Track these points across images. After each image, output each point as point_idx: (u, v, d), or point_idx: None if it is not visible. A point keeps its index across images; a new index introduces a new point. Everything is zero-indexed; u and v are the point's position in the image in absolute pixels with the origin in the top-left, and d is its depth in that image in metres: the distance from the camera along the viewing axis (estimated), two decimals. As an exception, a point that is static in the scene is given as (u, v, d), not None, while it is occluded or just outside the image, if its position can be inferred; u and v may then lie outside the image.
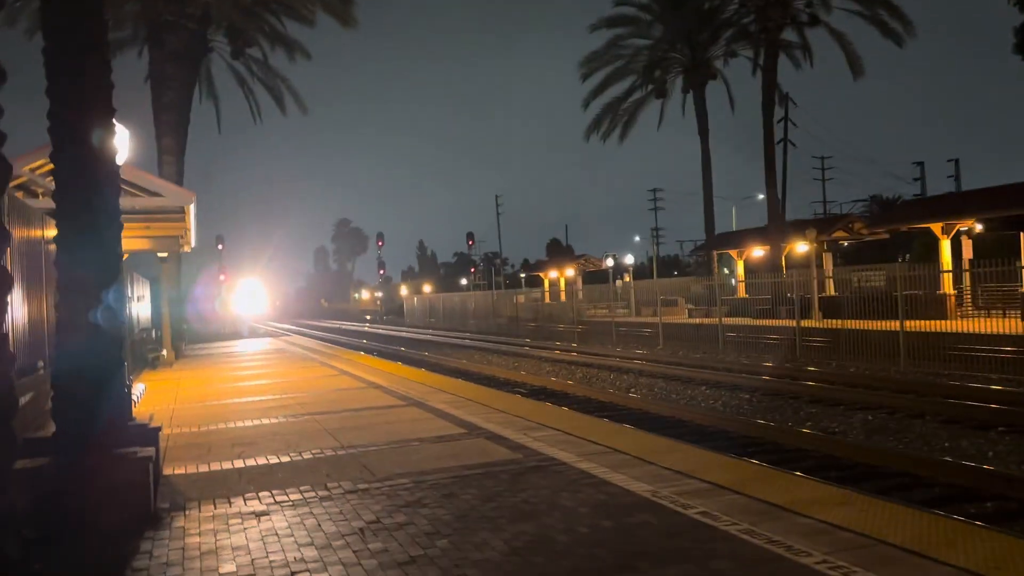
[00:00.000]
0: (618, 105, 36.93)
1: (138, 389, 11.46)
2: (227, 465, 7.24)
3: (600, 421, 8.46)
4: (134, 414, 7.55)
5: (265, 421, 9.78)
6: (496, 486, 5.83)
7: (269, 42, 31.33)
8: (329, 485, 6.17)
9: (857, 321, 20.90)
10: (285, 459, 7.36)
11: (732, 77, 37.73)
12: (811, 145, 78.00)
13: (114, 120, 6.15)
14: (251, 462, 7.29)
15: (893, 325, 19.19)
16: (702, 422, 12.00)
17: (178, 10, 25.42)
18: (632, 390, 16.67)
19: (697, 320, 28.01)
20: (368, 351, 29.24)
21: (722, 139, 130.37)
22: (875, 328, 19.84)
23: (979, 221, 23.09)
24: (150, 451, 5.85)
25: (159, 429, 6.95)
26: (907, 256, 36.05)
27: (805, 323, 23.00)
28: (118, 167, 6.53)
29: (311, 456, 7.43)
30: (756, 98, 31.66)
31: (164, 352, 20.19)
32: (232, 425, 9.62)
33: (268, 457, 7.47)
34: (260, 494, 6.02)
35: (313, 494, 5.93)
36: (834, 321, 21.81)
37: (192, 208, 12.79)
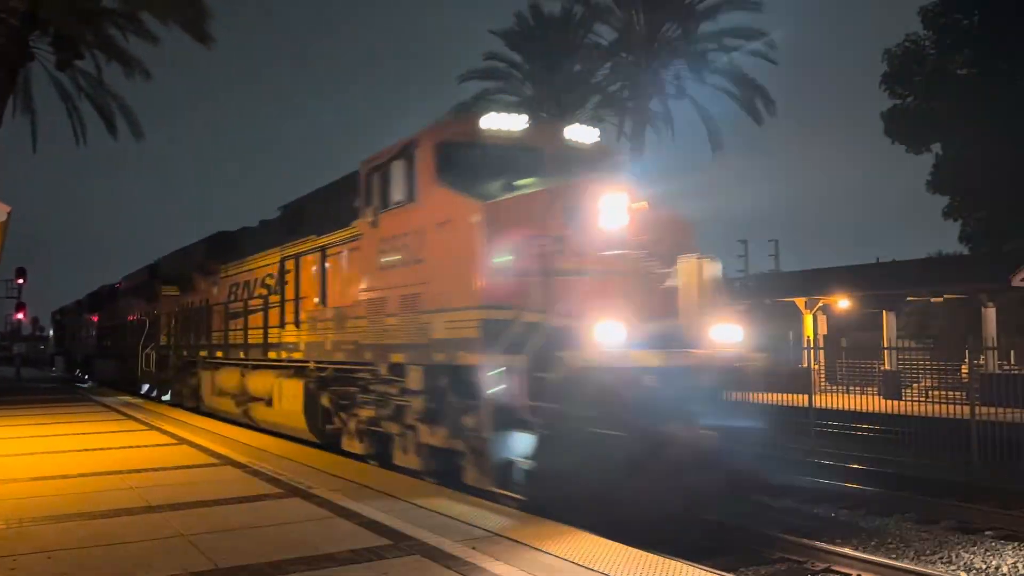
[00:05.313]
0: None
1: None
2: (45, 603, 4.81)
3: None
4: None
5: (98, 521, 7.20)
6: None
7: (105, 55, 27.77)
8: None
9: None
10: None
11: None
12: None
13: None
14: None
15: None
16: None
17: (-1, 2, 21.72)
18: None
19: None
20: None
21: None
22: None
23: (847, 298, 23.59)
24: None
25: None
26: None
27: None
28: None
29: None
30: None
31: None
32: (40, 524, 6.97)
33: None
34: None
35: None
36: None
37: (5, 224, 9.88)
